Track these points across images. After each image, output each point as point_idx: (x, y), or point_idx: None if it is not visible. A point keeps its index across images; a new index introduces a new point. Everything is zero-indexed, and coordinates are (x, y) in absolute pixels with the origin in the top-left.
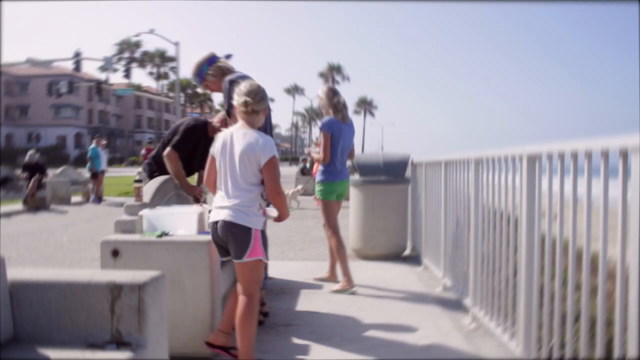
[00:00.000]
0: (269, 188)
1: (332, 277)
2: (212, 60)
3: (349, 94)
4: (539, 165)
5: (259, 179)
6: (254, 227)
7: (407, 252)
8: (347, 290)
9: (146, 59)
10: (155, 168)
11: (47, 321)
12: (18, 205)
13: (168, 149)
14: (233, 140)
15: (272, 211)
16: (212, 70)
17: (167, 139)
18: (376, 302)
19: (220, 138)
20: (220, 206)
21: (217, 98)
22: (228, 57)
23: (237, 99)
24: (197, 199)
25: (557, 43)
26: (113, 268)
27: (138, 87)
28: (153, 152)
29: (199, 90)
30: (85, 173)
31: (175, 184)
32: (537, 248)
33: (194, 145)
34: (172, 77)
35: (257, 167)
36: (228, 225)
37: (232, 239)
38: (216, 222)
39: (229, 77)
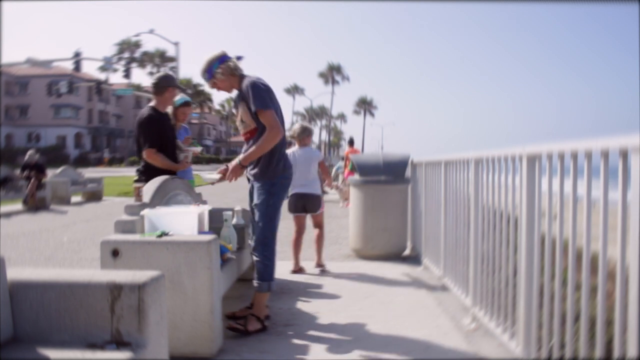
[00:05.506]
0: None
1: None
2: (223, 58)
3: (349, 94)
4: (539, 165)
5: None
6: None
7: (407, 252)
8: None
9: (146, 59)
10: (148, 173)
11: (47, 321)
12: (18, 205)
13: (145, 150)
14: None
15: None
16: (222, 69)
17: (137, 142)
18: (376, 302)
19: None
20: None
21: (217, 98)
22: (239, 58)
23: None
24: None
25: (557, 43)
26: (113, 268)
27: (138, 87)
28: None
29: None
30: (85, 173)
31: (175, 183)
32: (537, 248)
33: (160, 133)
34: None
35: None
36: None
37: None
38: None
39: (251, 80)
